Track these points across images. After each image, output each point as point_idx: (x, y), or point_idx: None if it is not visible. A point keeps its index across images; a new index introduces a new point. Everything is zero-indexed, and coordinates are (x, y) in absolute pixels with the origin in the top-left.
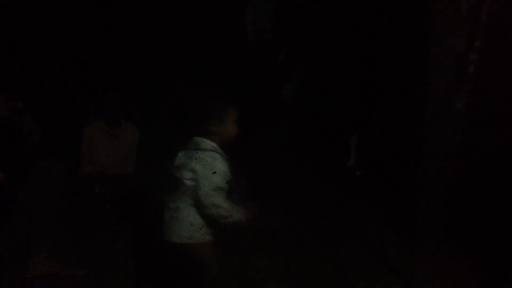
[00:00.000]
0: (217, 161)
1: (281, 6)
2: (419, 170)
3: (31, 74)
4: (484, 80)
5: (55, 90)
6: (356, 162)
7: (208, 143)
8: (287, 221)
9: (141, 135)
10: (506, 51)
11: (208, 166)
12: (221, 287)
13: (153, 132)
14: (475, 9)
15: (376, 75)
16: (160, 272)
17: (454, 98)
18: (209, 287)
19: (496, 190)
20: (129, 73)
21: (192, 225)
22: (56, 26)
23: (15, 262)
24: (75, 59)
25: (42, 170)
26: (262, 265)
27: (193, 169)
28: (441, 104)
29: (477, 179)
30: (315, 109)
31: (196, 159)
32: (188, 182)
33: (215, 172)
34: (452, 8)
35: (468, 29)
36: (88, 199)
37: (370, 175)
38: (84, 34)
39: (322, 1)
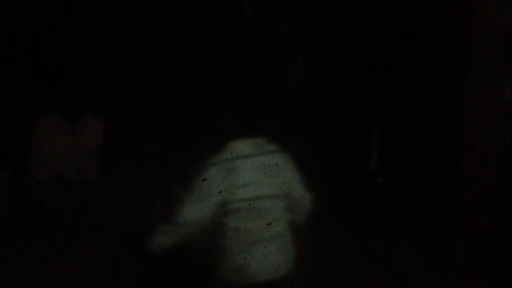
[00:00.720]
0: None
1: None
2: (458, 177)
3: None
4: None
5: None
6: (377, 165)
7: None
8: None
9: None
10: None
11: None
12: None
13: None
14: None
15: (403, 57)
16: None
17: (503, 86)
18: None
19: None
20: (98, 54)
21: None
22: None
23: None
24: (23, 37)
25: None
26: None
27: None
28: (486, 94)
29: None
30: (327, 99)
31: None
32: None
33: None
34: None
35: None
36: (39, 211)
37: (395, 182)
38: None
39: None
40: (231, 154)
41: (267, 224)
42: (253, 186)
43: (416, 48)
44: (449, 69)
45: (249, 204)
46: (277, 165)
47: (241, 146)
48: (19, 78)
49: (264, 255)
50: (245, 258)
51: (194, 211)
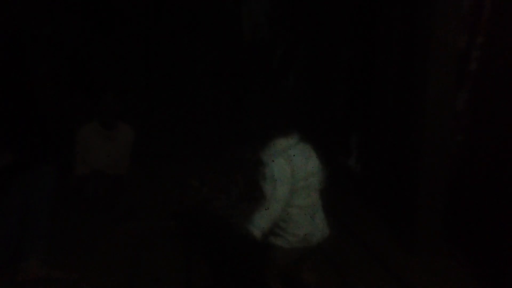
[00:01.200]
0: None
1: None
2: (418, 169)
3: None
4: (487, 78)
5: (46, 89)
6: (356, 161)
7: None
8: None
9: (137, 136)
10: (510, 47)
11: None
12: None
13: (150, 133)
14: (477, 3)
15: (375, 72)
16: None
17: (455, 97)
18: None
19: (497, 190)
20: (128, 72)
21: None
22: (46, 21)
23: (4, 265)
24: (69, 56)
25: (32, 173)
26: None
27: None
28: (442, 103)
29: (477, 179)
30: (314, 108)
31: None
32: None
33: None
34: (452, 2)
35: (469, 25)
36: (81, 201)
37: (370, 174)
38: (77, 28)
39: None
40: (280, 145)
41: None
42: (302, 168)
43: (385, 66)
44: (411, 82)
45: (305, 182)
46: (306, 150)
47: (283, 141)
48: (68, 91)
49: (319, 223)
50: (309, 228)
51: (285, 189)
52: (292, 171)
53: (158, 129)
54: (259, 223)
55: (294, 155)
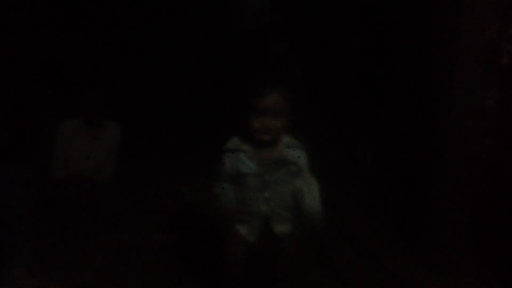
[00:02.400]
0: None
1: None
2: (442, 178)
3: None
4: None
5: (22, 83)
6: (367, 166)
7: None
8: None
9: (124, 136)
10: None
11: None
12: None
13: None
14: None
15: (392, 67)
16: None
17: (484, 94)
18: None
19: None
20: (115, 65)
21: None
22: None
23: None
24: (51, 47)
25: (6, 177)
26: None
27: None
28: (469, 101)
29: (509, 188)
30: (320, 109)
31: None
32: None
33: None
34: None
35: (500, 14)
36: (60, 207)
37: (383, 181)
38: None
39: None
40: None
41: None
42: None
43: (406, 58)
44: (434, 79)
45: None
46: None
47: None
48: (46, 84)
49: None
50: None
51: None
52: None
53: (147, 128)
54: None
55: None
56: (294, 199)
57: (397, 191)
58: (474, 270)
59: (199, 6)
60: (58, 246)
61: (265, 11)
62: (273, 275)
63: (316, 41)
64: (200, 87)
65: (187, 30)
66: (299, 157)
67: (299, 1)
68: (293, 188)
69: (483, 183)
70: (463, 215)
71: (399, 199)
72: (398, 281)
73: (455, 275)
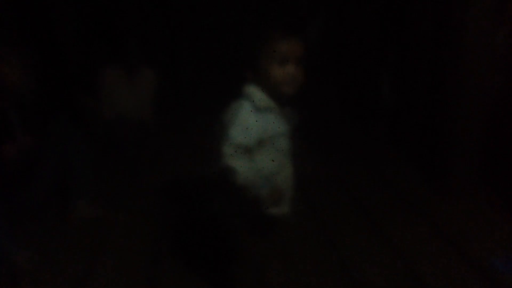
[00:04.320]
0: None
1: None
2: (452, 110)
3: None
4: None
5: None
6: (384, 104)
7: None
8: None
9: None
10: None
11: None
12: None
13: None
14: None
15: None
16: None
17: (496, 29)
18: None
19: None
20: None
21: None
22: None
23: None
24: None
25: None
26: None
27: None
28: (481, 38)
29: None
30: (341, 47)
31: None
32: None
33: None
34: None
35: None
36: (110, 145)
37: (401, 114)
38: None
39: None
40: None
41: None
42: None
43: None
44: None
45: None
46: None
47: None
48: (91, 37)
49: None
50: None
51: None
52: None
53: (182, 75)
54: None
55: None
56: None
57: (414, 122)
58: (483, 195)
59: None
60: (111, 181)
61: None
62: None
63: None
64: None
65: None
66: None
67: None
68: None
69: (492, 118)
70: (473, 143)
71: (416, 130)
72: (412, 203)
73: (465, 199)
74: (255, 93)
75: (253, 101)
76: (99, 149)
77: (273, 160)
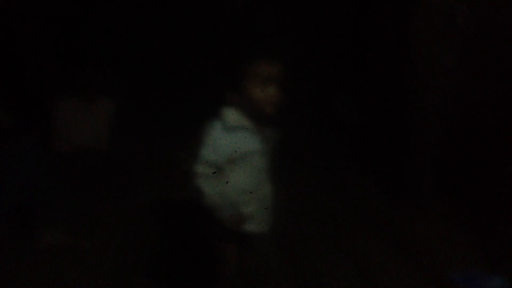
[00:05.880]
0: None
1: None
2: (410, 127)
3: None
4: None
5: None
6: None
7: None
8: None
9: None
10: None
11: None
12: None
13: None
14: None
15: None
16: None
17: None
18: None
19: (491, 147)
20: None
21: None
22: None
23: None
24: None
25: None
26: None
27: None
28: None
29: (470, 135)
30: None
31: None
32: None
33: None
34: None
35: None
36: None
37: (364, 132)
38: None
39: None
40: None
41: None
42: None
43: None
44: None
45: None
46: None
47: None
48: (44, 63)
49: None
50: None
51: None
52: None
53: (140, 102)
54: None
55: None
56: None
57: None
58: (441, 209)
59: None
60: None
61: None
62: None
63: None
64: (192, 54)
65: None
66: None
67: None
68: None
69: (451, 132)
70: (433, 158)
71: (378, 148)
72: (375, 218)
73: (426, 215)
74: (228, 113)
75: (225, 121)
76: (61, 177)
77: (251, 192)
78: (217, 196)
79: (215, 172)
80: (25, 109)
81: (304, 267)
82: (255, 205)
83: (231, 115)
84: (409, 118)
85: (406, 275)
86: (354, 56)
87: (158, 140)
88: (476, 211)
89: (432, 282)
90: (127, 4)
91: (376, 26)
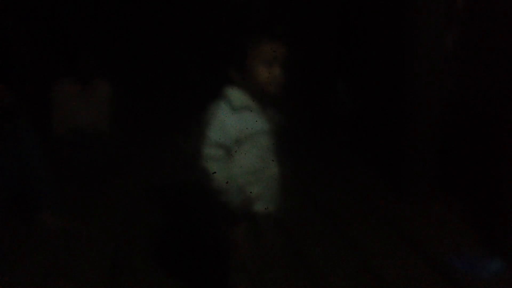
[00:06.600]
0: None
1: None
2: (410, 114)
3: None
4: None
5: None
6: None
7: None
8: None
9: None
10: None
11: None
12: None
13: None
14: None
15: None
16: None
17: (444, 36)
18: None
19: (491, 136)
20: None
21: None
22: None
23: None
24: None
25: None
26: None
27: None
28: (430, 44)
29: (469, 124)
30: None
31: None
32: None
33: None
34: None
35: None
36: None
37: (361, 120)
38: None
39: None
40: None
41: None
42: None
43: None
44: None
45: None
46: None
47: None
48: (40, 48)
49: None
50: None
51: None
52: None
53: (139, 86)
54: None
55: None
56: None
57: (374, 129)
58: (443, 198)
59: None
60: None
61: None
62: None
63: None
64: (194, 34)
65: None
66: None
67: None
68: None
69: (450, 123)
70: (433, 149)
71: (376, 137)
72: (374, 207)
73: (425, 202)
74: (233, 93)
75: (231, 101)
76: (58, 161)
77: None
78: (225, 178)
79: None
80: (22, 92)
81: (307, 255)
82: (262, 185)
83: (236, 95)
84: (411, 112)
85: (408, 263)
86: (359, 43)
87: (158, 123)
88: (475, 199)
89: (435, 268)
90: None
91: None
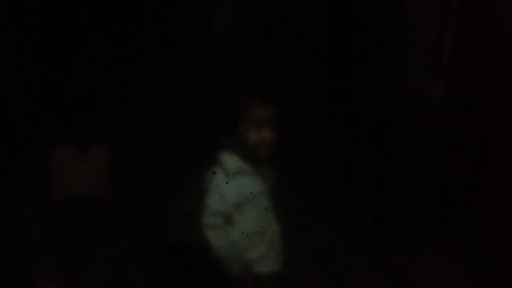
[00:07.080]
0: None
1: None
2: (401, 164)
3: None
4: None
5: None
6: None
7: None
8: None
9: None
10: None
11: None
12: None
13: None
14: None
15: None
16: None
17: (432, 86)
18: None
19: (485, 183)
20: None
21: None
22: None
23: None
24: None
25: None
26: None
27: None
28: (418, 93)
29: (463, 173)
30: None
31: None
32: None
33: None
34: None
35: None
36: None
37: (354, 169)
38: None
39: None
40: None
41: None
42: None
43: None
44: (387, 73)
45: None
46: None
47: None
48: (38, 112)
49: None
50: None
51: None
52: None
53: (135, 149)
54: None
55: None
56: None
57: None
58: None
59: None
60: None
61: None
62: None
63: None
64: (185, 98)
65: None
66: None
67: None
68: None
69: (441, 169)
70: (426, 197)
71: (370, 185)
72: (370, 256)
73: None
74: (227, 159)
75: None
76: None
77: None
78: (227, 246)
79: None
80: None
81: None
82: (264, 245)
83: (230, 161)
84: (405, 156)
85: None
86: (346, 97)
87: (154, 188)
88: (471, 245)
89: None
90: (120, 50)
91: (367, 66)
